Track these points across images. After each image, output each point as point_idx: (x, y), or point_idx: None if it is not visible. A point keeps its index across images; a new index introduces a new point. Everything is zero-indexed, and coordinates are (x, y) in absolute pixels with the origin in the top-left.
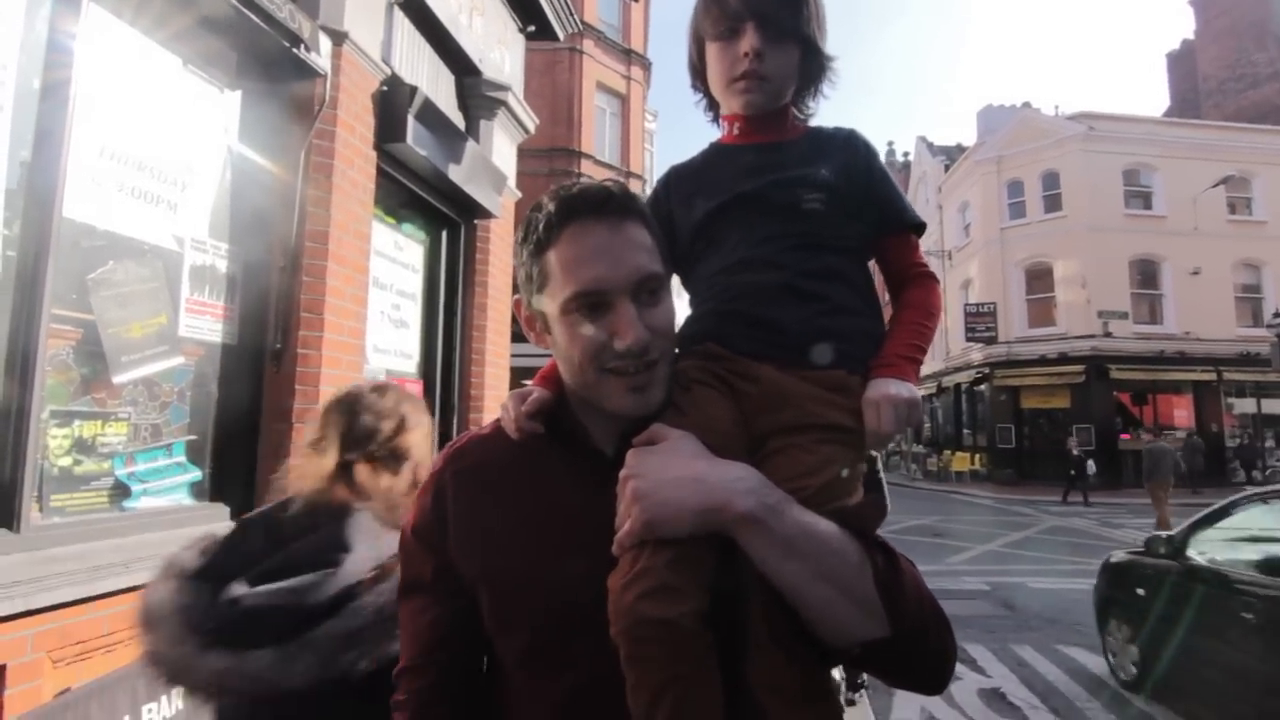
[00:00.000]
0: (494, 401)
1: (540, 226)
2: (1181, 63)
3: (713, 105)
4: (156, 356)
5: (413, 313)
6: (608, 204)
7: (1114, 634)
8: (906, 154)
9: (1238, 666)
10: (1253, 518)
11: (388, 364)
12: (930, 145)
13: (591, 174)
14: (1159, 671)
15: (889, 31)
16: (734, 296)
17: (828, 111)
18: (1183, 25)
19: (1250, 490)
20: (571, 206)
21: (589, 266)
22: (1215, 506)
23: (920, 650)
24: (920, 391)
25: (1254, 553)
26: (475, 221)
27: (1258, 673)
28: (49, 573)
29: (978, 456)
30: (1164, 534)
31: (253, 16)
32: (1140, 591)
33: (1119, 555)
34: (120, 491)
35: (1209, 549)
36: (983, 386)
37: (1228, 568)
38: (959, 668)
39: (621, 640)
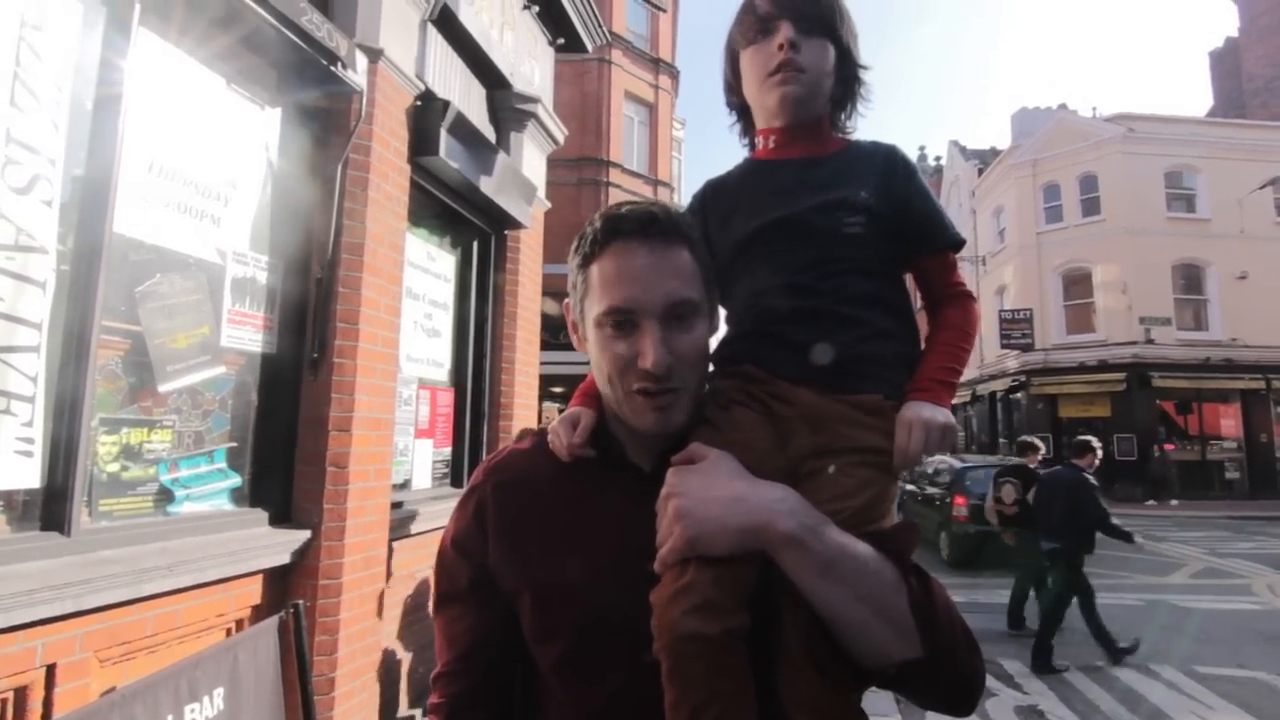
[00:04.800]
0: (524, 409)
1: (588, 240)
2: (1225, 61)
3: (747, 127)
4: (200, 366)
5: (445, 322)
6: (651, 226)
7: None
8: (939, 158)
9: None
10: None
11: (420, 372)
12: (963, 149)
13: (620, 182)
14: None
15: (920, 32)
16: (774, 321)
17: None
18: (1226, 22)
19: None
20: (616, 226)
21: (622, 286)
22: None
23: (951, 672)
24: (954, 401)
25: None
26: (506, 232)
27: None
28: (97, 575)
29: None
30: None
31: (292, 36)
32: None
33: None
34: (165, 496)
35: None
36: (1019, 395)
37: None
38: (996, 684)
39: (664, 655)
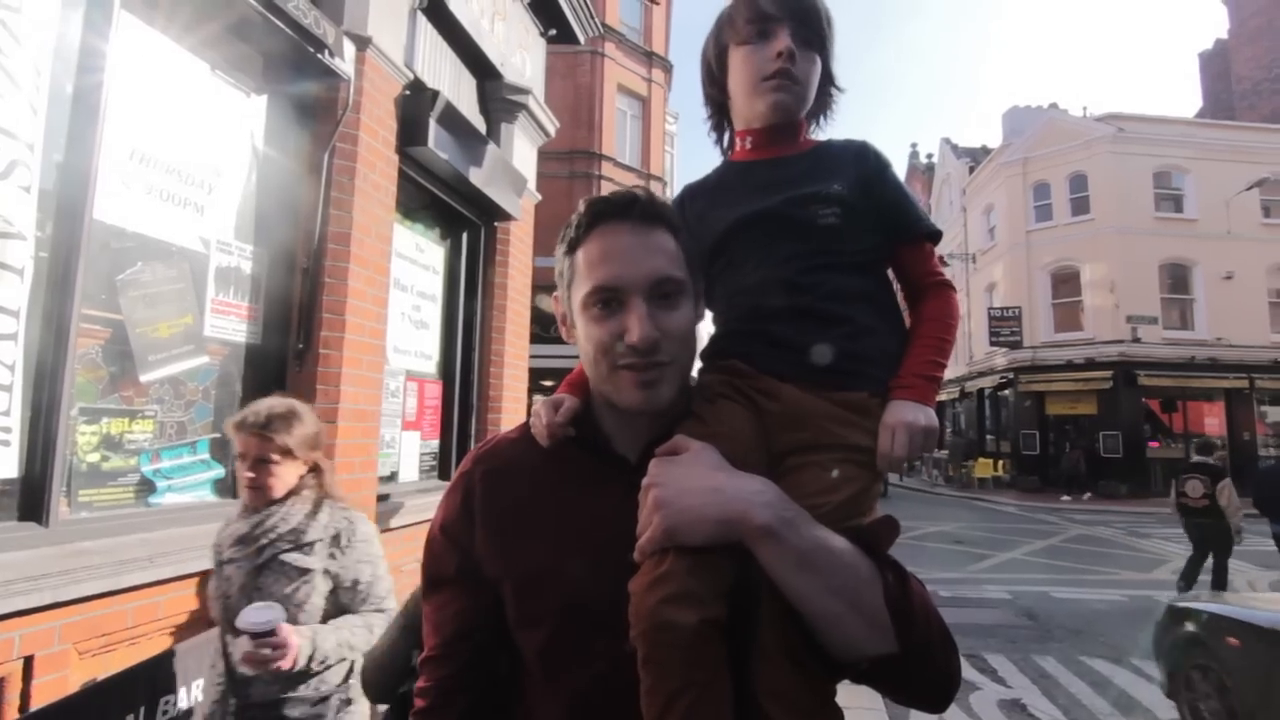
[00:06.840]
0: (512, 402)
1: (573, 228)
2: (1214, 63)
3: (721, 129)
4: (182, 356)
5: (433, 314)
6: (632, 208)
7: None
8: (930, 156)
9: None
10: None
11: (408, 364)
12: (955, 147)
13: (612, 176)
14: None
15: (912, 30)
16: (758, 319)
17: (850, 113)
18: (1216, 24)
19: None
20: (600, 210)
21: (607, 265)
22: None
23: (926, 669)
24: (941, 396)
25: None
26: (495, 224)
27: None
28: (76, 566)
29: (1001, 463)
30: None
31: (278, 22)
32: None
33: None
34: (146, 487)
35: None
36: (1007, 392)
37: None
38: (980, 678)
39: (641, 642)
